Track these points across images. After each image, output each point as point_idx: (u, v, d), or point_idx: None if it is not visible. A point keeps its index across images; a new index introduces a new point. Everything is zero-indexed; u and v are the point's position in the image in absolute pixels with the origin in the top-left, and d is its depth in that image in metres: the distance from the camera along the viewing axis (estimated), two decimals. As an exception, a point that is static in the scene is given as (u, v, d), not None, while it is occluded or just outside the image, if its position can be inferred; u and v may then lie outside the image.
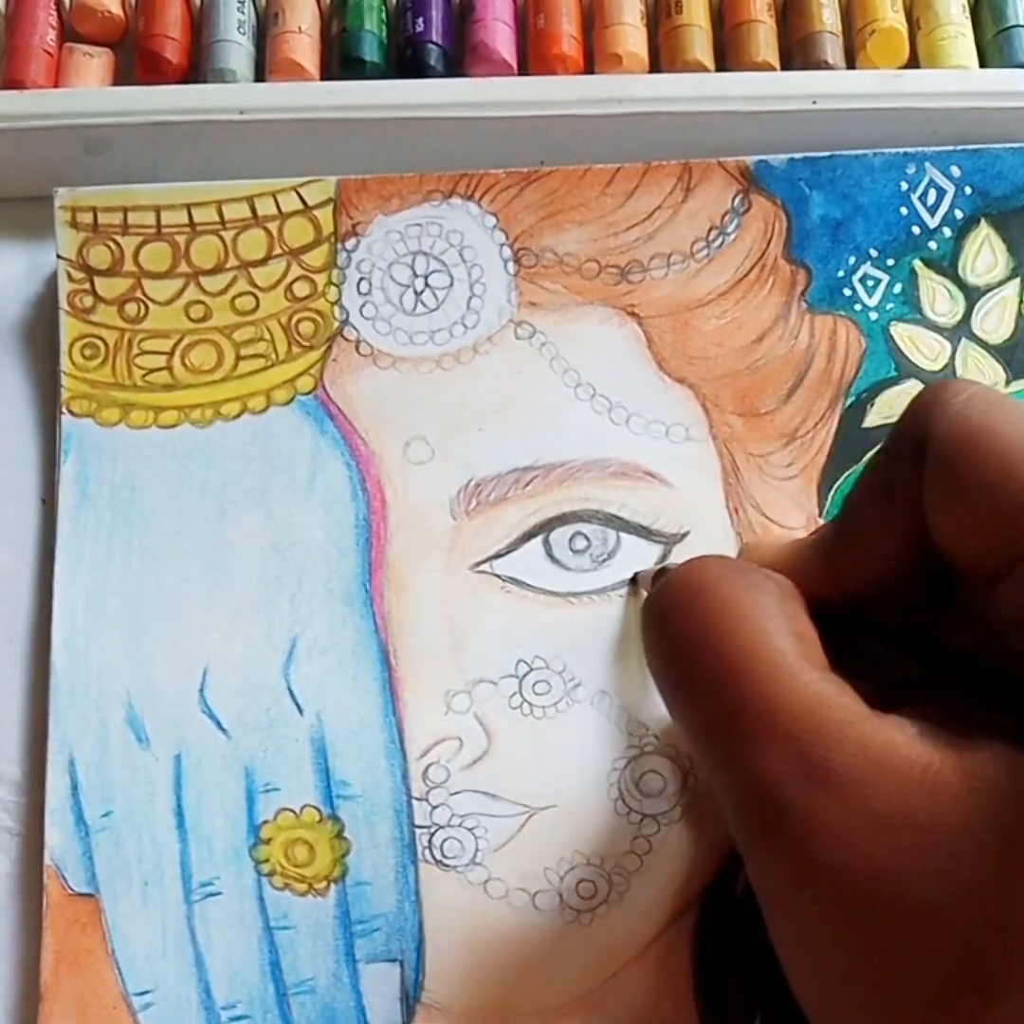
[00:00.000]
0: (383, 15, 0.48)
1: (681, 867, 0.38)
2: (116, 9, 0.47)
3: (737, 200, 0.44)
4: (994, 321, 0.43)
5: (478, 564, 0.40)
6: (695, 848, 0.38)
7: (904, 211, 0.44)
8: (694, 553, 0.40)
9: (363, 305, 0.43)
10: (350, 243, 0.43)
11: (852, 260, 0.43)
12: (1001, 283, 0.44)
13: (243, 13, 0.47)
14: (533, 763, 0.38)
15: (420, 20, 0.47)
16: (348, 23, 0.47)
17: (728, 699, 0.28)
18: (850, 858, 0.27)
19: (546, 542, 0.40)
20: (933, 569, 0.30)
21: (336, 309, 0.43)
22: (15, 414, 0.43)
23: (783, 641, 0.29)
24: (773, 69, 0.47)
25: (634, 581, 0.40)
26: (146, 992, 0.37)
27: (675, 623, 0.30)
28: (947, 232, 0.44)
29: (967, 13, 0.47)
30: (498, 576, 0.40)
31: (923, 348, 0.43)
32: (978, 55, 0.47)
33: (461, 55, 0.47)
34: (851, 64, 0.48)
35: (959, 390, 0.30)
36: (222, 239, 0.43)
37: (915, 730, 0.28)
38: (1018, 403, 0.30)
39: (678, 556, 0.40)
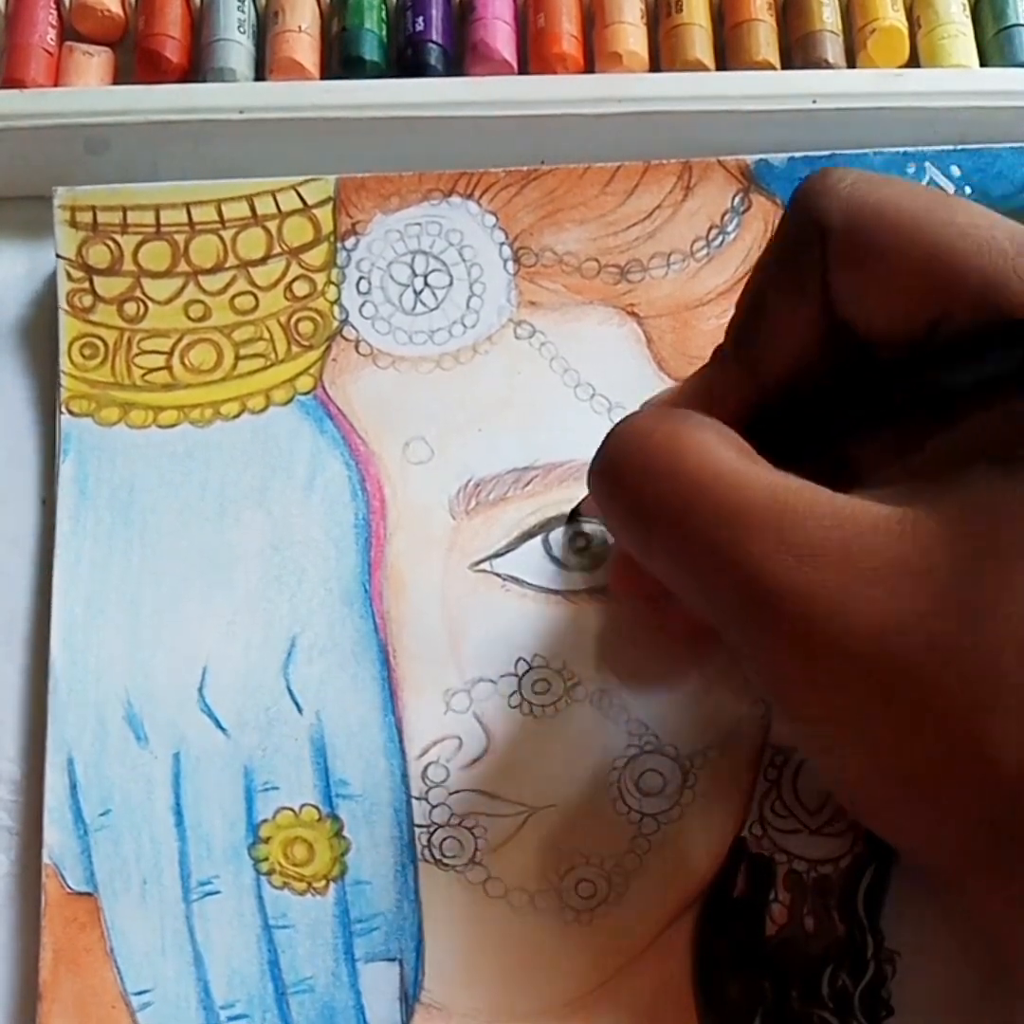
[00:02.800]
0: (383, 14, 0.48)
1: (681, 867, 0.37)
2: (116, 8, 0.47)
3: (737, 199, 0.44)
4: (994, 320, 0.43)
5: (477, 563, 0.40)
6: (695, 848, 0.38)
7: (904, 210, 0.44)
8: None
9: (362, 304, 0.43)
10: (349, 242, 0.43)
11: (852, 259, 0.43)
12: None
13: (243, 12, 0.47)
14: (532, 762, 0.38)
15: (420, 19, 0.47)
16: (348, 22, 0.47)
17: (697, 515, 0.29)
18: (857, 620, 0.27)
19: (546, 541, 0.40)
20: (841, 344, 0.32)
21: (335, 308, 0.43)
22: (14, 414, 0.43)
23: (728, 453, 0.30)
24: (773, 68, 0.47)
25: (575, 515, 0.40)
26: (145, 991, 0.37)
27: (622, 474, 0.31)
28: (947, 231, 0.44)
29: (967, 12, 0.47)
30: (497, 575, 0.40)
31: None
32: (979, 54, 0.47)
33: (461, 54, 0.48)
34: (851, 63, 0.48)
35: (843, 175, 0.31)
36: (221, 238, 0.43)
37: (878, 496, 0.29)
38: (898, 179, 0.32)
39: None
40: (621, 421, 0.33)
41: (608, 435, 0.32)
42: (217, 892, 0.37)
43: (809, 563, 0.28)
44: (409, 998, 0.37)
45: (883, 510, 0.28)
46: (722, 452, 0.30)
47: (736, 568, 0.29)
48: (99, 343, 0.42)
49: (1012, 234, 0.29)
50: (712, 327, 0.43)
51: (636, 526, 0.32)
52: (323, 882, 0.37)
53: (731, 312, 0.43)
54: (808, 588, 0.28)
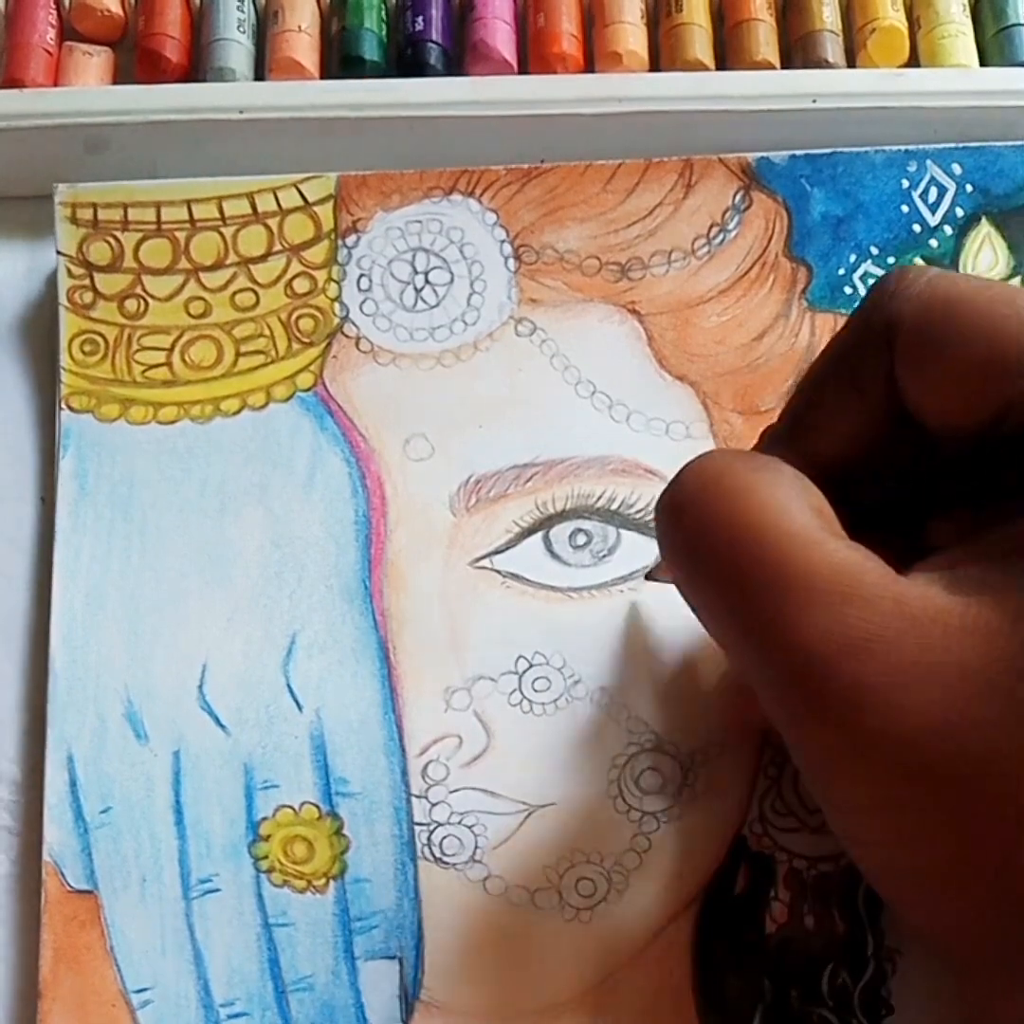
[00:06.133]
0: (383, 14, 0.48)
1: (681, 865, 0.37)
2: (115, 8, 0.47)
3: (738, 197, 0.44)
4: (994, 320, 0.43)
5: (478, 560, 0.40)
6: (695, 846, 0.38)
7: (905, 209, 0.44)
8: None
9: (363, 301, 0.43)
10: (350, 239, 0.43)
11: (853, 258, 0.43)
12: (1002, 281, 0.44)
13: (243, 12, 0.47)
14: (532, 760, 0.38)
15: (420, 19, 0.47)
16: (348, 22, 0.47)
17: (755, 576, 0.28)
18: (904, 718, 0.26)
19: (546, 538, 0.40)
20: (902, 438, 0.31)
21: (336, 305, 0.43)
22: (14, 410, 0.43)
23: (803, 515, 0.29)
24: (773, 68, 0.47)
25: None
26: (145, 989, 0.37)
27: (692, 510, 0.30)
28: (948, 230, 0.44)
29: (967, 12, 0.47)
30: (498, 572, 0.40)
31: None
32: (978, 54, 0.47)
33: (461, 54, 0.47)
34: (851, 63, 0.48)
35: (919, 273, 0.31)
36: (222, 235, 0.43)
37: (946, 580, 0.27)
38: (972, 275, 0.31)
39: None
40: (699, 456, 0.31)
41: (684, 466, 0.31)
42: (217, 890, 0.37)
43: (863, 650, 0.27)
44: (409, 996, 0.36)
45: (946, 600, 0.27)
46: (796, 512, 0.29)
47: (787, 641, 0.27)
48: (99, 339, 0.42)
49: None
50: (713, 325, 0.43)
51: (689, 569, 0.30)
52: (323, 880, 0.37)
53: (731, 312, 0.43)
54: (857, 677, 0.27)
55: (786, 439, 0.33)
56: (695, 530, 0.30)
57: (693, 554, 0.30)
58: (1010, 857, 0.26)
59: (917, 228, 0.44)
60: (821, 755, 0.28)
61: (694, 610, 0.31)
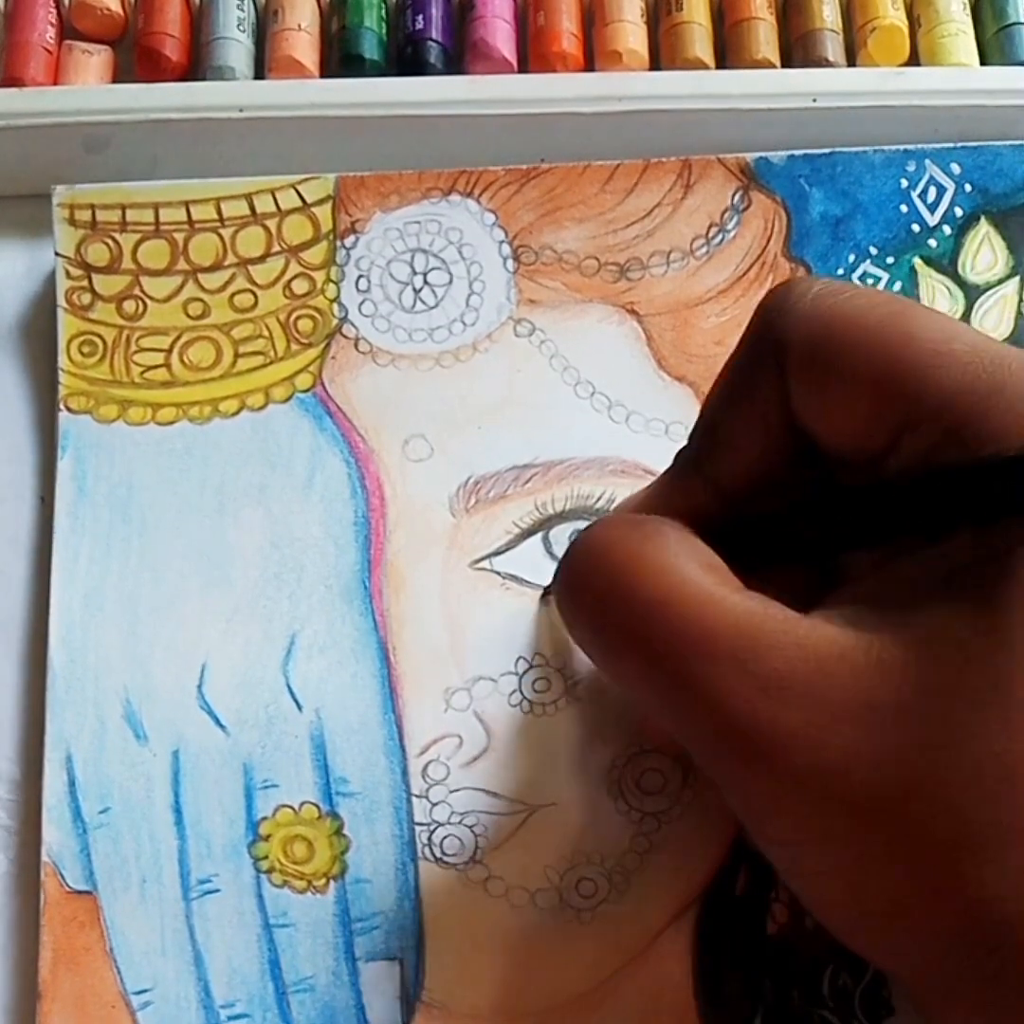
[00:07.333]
0: (383, 12, 0.48)
1: (681, 866, 0.37)
2: (115, 6, 0.47)
3: (737, 197, 0.44)
4: (994, 319, 0.43)
5: (477, 561, 0.40)
6: (695, 847, 0.38)
7: (904, 209, 0.44)
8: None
9: (362, 302, 0.43)
10: (349, 240, 0.43)
11: (852, 258, 0.43)
12: (1001, 281, 0.44)
13: (243, 10, 0.47)
14: (533, 760, 0.38)
15: (420, 17, 0.47)
16: (348, 20, 0.47)
17: (660, 642, 0.29)
18: (823, 755, 0.27)
19: (546, 539, 0.40)
20: (805, 455, 0.31)
21: (335, 306, 0.43)
22: (13, 411, 0.43)
23: (695, 573, 0.29)
24: (773, 67, 0.47)
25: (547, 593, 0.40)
26: (145, 990, 0.36)
27: (587, 589, 0.30)
28: (947, 230, 0.44)
29: (968, 10, 0.47)
30: (497, 573, 0.40)
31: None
32: (979, 53, 0.47)
33: (461, 52, 0.47)
34: (852, 62, 0.48)
35: (805, 289, 0.31)
36: (221, 236, 0.43)
37: (846, 617, 0.28)
38: (863, 288, 0.32)
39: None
40: (584, 531, 0.32)
41: (570, 547, 0.31)
42: (217, 891, 0.37)
43: (776, 697, 0.27)
44: (410, 997, 0.36)
45: (849, 639, 0.27)
46: (686, 572, 0.29)
47: (702, 700, 0.28)
48: (98, 341, 0.42)
49: (974, 346, 0.29)
50: (712, 325, 0.43)
51: (595, 644, 0.31)
52: (323, 880, 0.37)
53: (730, 312, 0.43)
54: (775, 723, 0.27)
55: (694, 463, 0.33)
56: (594, 607, 0.30)
57: (597, 629, 0.31)
58: (942, 884, 0.27)
59: (916, 228, 0.44)
60: (758, 801, 0.29)
61: (607, 676, 0.32)
